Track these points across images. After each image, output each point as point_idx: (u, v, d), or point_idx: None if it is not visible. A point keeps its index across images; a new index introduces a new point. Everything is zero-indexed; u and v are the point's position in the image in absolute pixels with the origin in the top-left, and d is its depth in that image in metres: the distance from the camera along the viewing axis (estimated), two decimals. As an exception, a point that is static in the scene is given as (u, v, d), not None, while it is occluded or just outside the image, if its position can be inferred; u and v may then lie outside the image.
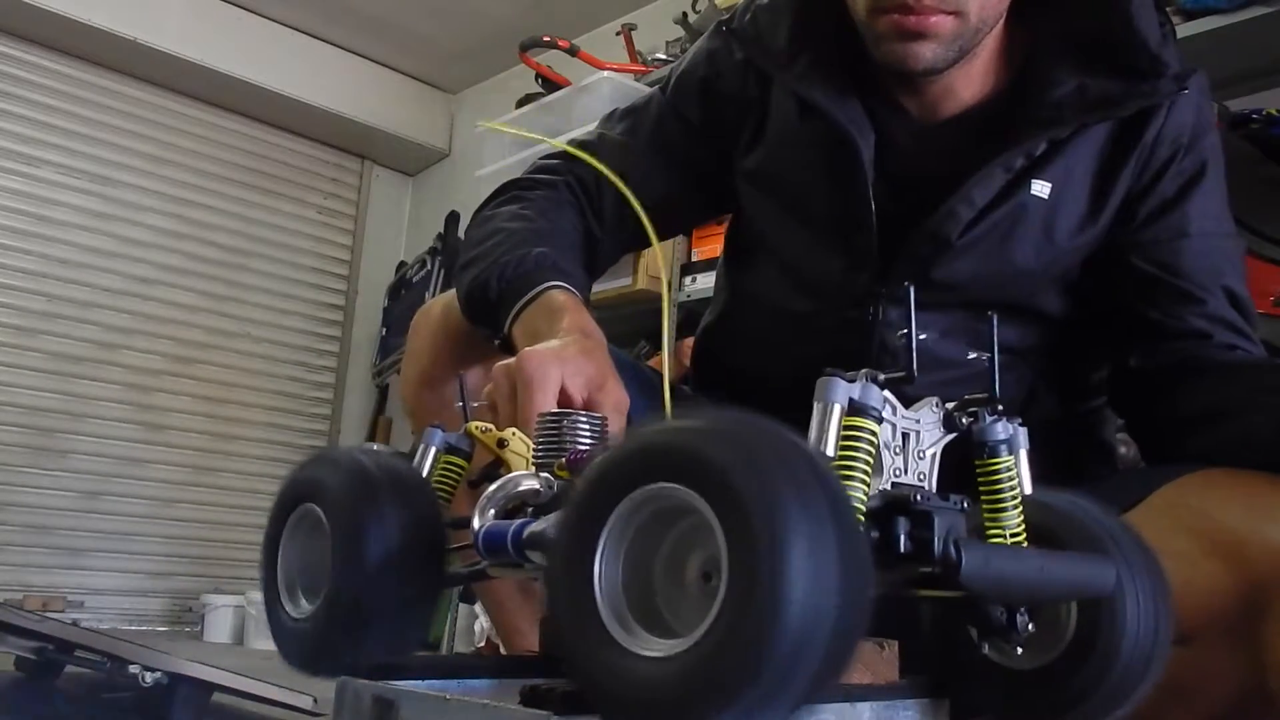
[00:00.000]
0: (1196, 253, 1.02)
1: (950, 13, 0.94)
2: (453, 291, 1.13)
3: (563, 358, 0.85)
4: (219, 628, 3.72)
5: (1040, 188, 0.99)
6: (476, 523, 0.66)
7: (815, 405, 0.55)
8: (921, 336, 1.00)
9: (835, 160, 1.03)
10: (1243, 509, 0.85)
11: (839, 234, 1.05)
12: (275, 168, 4.39)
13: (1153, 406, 1.04)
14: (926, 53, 0.96)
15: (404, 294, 4.28)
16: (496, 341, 1.03)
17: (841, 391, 0.55)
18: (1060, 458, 0.90)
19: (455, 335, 1.13)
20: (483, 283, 1.03)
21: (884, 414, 0.56)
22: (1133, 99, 0.98)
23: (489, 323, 1.04)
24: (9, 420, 3.73)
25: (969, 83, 1.04)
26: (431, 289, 4.04)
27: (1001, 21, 1.01)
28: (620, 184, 0.73)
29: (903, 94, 1.06)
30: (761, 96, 1.12)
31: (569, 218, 1.15)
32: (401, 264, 4.47)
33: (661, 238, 1.42)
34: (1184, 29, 1.98)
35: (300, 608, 0.71)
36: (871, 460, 0.55)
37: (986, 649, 0.65)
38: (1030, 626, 0.62)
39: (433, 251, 4.16)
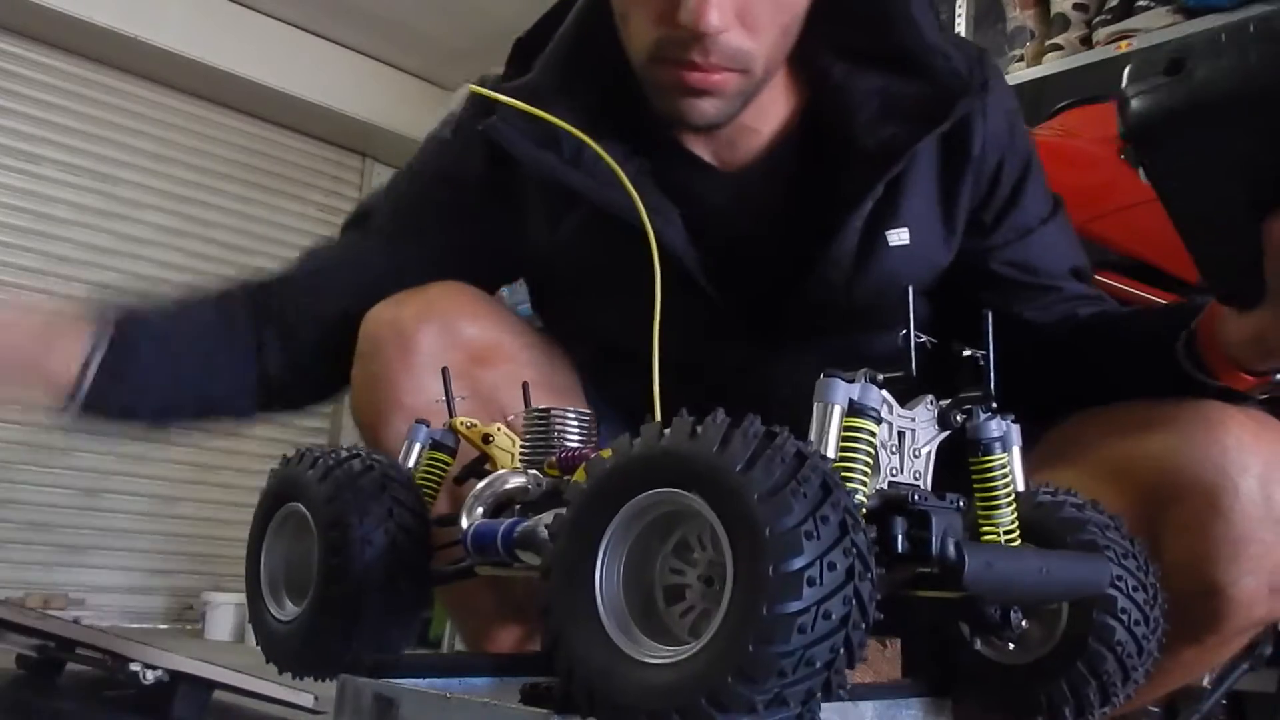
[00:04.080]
0: (1042, 245, 1.05)
1: (738, 70, 0.90)
2: None
3: None
4: (220, 625, 3.72)
5: (897, 236, 0.98)
6: (465, 521, 0.67)
7: (815, 405, 0.55)
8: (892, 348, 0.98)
9: (642, 255, 0.81)
10: (1119, 432, 0.88)
11: (683, 323, 0.86)
12: (276, 165, 4.39)
13: (1040, 391, 1.05)
14: (710, 109, 0.92)
15: (405, 292, 4.27)
16: None
17: (841, 392, 0.55)
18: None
19: None
20: None
21: (882, 413, 0.57)
22: (943, 110, 0.96)
23: None
24: (10, 417, 3.73)
25: (763, 116, 0.99)
26: (432, 287, 4.03)
27: None
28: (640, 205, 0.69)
29: (693, 141, 0.99)
30: (516, 190, 1.04)
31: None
32: (402, 262, 4.46)
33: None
34: (1185, 27, 1.98)
35: (285, 609, 0.71)
36: (871, 460, 0.55)
37: (979, 645, 0.65)
38: (1024, 623, 0.62)
39: (433, 249, 4.15)
